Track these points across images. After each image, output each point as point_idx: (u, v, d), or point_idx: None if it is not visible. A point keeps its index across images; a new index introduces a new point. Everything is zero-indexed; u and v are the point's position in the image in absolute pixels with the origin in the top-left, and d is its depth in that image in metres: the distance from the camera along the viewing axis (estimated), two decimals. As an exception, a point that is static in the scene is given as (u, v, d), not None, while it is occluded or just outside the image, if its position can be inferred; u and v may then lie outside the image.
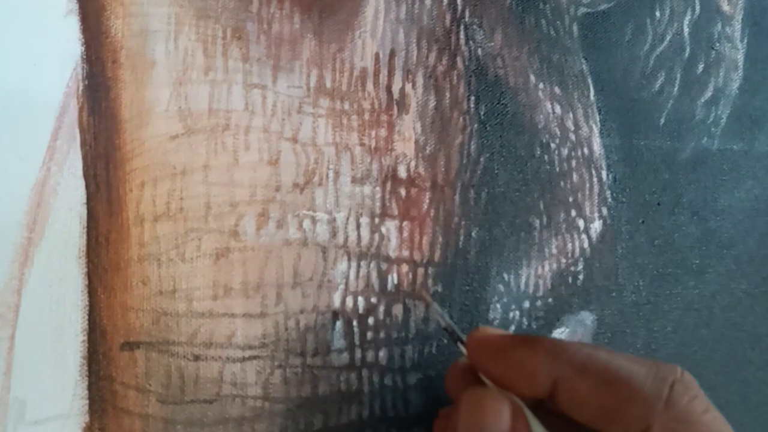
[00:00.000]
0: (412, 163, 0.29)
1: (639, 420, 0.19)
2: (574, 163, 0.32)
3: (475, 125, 0.30)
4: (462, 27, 0.30)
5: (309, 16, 0.28)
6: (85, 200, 0.25)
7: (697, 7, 0.36)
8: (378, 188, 0.28)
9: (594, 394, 0.20)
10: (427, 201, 0.29)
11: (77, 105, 0.25)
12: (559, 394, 0.21)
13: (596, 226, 0.32)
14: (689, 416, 0.19)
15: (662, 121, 0.35)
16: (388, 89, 0.29)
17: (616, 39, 0.34)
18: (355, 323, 0.27)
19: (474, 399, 0.22)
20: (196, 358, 0.25)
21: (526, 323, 0.30)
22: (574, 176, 0.32)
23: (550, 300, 0.31)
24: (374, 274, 0.28)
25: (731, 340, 0.35)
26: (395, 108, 0.29)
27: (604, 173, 0.33)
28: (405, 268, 0.28)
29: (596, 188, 0.33)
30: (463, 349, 0.24)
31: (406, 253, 0.28)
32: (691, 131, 0.35)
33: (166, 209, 0.26)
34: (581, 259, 0.32)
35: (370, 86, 0.29)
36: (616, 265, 0.33)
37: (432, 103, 0.30)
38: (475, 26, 0.31)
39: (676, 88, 0.35)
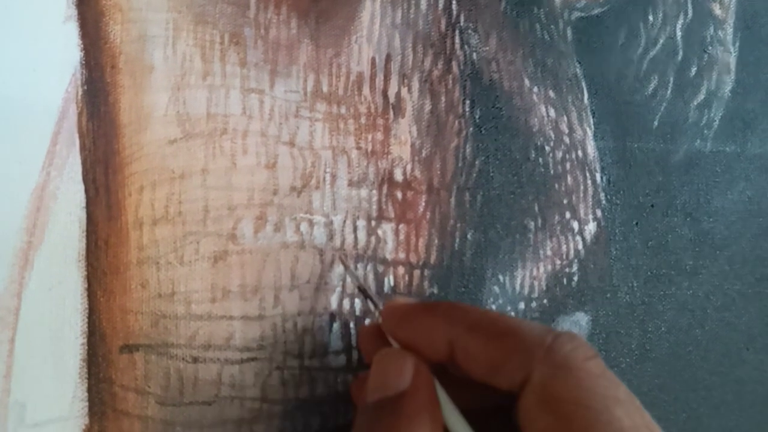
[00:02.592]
0: (408, 167, 0.29)
1: (520, 368, 0.20)
2: (568, 165, 0.32)
3: (471, 129, 0.31)
4: (457, 31, 0.31)
5: (306, 21, 0.28)
6: (84, 204, 0.25)
7: (690, 11, 0.36)
8: (374, 191, 0.29)
9: (484, 348, 0.21)
10: (423, 204, 0.29)
11: (76, 110, 0.25)
12: (455, 353, 0.22)
13: (590, 227, 0.33)
14: (570, 362, 0.19)
15: (655, 123, 0.35)
16: (384, 93, 0.29)
17: (610, 43, 0.34)
18: (352, 325, 0.28)
19: (381, 358, 0.23)
20: (195, 360, 0.26)
21: (521, 324, 0.31)
22: (569, 179, 0.32)
23: (545, 301, 0.31)
24: (371, 277, 0.28)
25: (725, 341, 0.36)
26: (391, 112, 0.29)
27: (598, 175, 0.33)
28: (401, 270, 0.29)
29: (590, 190, 0.33)
30: (376, 312, 0.25)
31: (402, 256, 0.29)
32: (684, 134, 0.36)
33: (164, 213, 0.26)
34: (576, 260, 0.32)
35: (366, 90, 0.29)
36: (610, 266, 0.33)
37: (428, 107, 0.30)
38: (470, 31, 0.31)
39: (669, 91, 0.36)
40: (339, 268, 0.28)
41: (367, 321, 0.28)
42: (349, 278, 0.27)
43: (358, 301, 0.28)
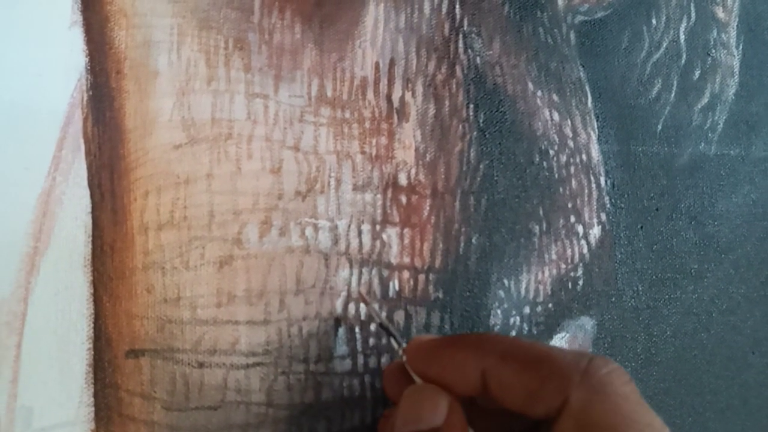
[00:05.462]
0: (413, 171, 0.29)
1: (558, 393, 0.20)
2: (572, 169, 0.32)
3: (475, 133, 0.31)
4: (461, 36, 0.31)
5: (310, 26, 0.28)
6: (90, 209, 0.25)
7: (693, 15, 0.36)
8: (379, 195, 0.29)
9: (518, 377, 0.21)
10: (428, 208, 0.29)
11: (82, 115, 0.26)
12: (489, 384, 0.21)
13: (595, 231, 0.33)
14: (607, 387, 0.19)
15: (659, 127, 0.35)
16: (388, 98, 0.29)
17: (613, 46, 0.35)
18: (357, 330, 0.28)
19: (413, 393, 0.23)
20: (201, 365, 0.26)
21: (526, 329, 0.31)
22: (573, 182, 0.32)
23: (550, 305, 0.31)
24: (376, 281, 0.28)
25: (731, 344, 0.36)
26: (395, 116, 0.29)
27: (602, 179, 0.33)
28: (406, 274, 0.29)
29: (595, 194, 0.33)
30: (398, 348, 0.25)
31: (407, 260, 0.29)
32: (689, 137, 0.36)
33: (170, 218, 0.26)
34: (581, 264, 0.32)
35: (370, 95, 0.29)
36: (615, 270, 0.33)
37: (431, 112, 0.30)
38: (473, 35, 0.31)
39: (672, 95, 0.36)
40: (344, 273, 0.28)
41: (385, 358, 0.28)
42: (373, 316, 0.27)
43: (363, 306, 0.28)
